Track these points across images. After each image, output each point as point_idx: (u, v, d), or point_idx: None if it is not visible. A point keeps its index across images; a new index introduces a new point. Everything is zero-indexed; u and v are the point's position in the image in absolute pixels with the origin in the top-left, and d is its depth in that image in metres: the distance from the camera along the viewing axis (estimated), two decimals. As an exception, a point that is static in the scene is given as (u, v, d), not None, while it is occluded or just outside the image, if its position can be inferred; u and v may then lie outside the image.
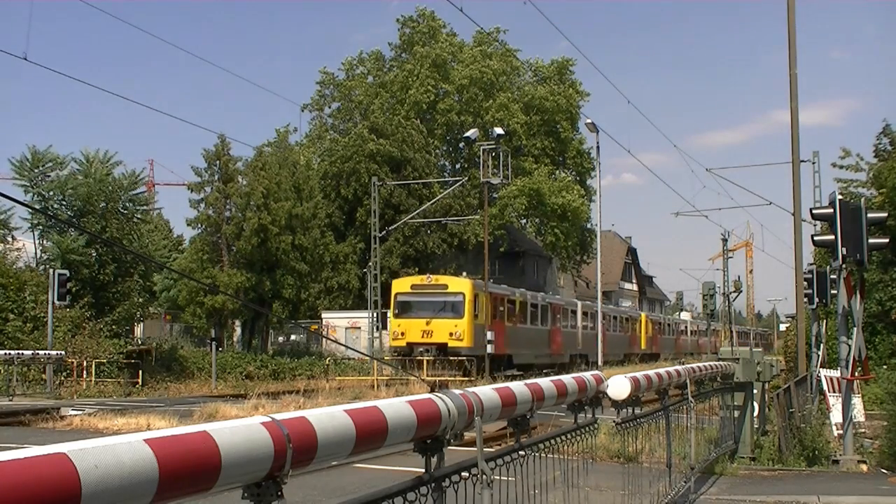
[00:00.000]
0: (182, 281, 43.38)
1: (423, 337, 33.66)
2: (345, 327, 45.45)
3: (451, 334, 33.27)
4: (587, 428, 5.65)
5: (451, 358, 32.89)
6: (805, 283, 21.28)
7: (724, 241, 53.63)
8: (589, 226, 61.75)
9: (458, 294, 34.09)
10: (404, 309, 35.11)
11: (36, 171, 34.98)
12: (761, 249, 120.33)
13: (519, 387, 4.38)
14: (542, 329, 41.81)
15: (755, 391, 13.33)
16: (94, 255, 33.69)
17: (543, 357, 41.11)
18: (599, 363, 35.69)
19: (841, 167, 27.20)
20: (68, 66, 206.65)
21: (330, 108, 64.32)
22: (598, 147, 36.32)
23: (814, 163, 29.28)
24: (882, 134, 27.10)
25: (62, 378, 27.63)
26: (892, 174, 24.32)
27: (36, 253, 35.91)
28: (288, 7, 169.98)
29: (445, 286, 34.76)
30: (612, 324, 51.84)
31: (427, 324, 33.80)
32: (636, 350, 55.44)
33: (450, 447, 3.57)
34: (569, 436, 5.31)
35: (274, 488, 2.44)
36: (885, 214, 13.70)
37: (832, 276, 18.82)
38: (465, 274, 38.89)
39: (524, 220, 62.77)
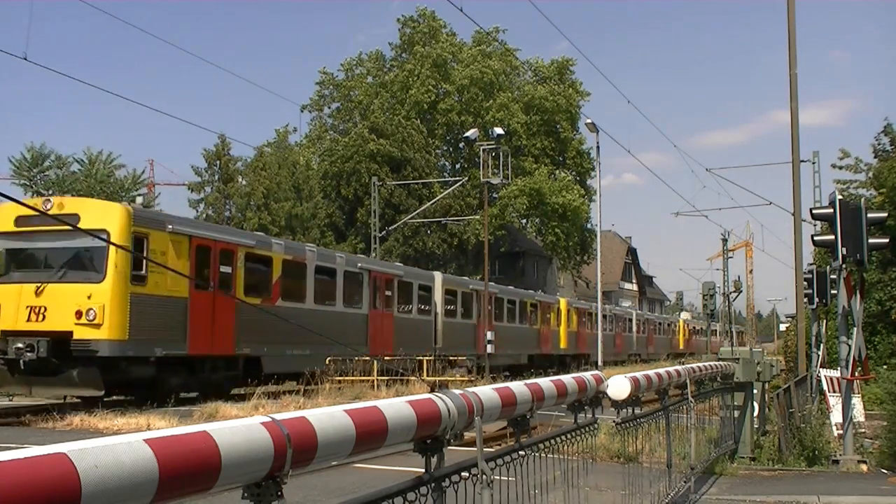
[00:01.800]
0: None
1: (29, 320, 17.17)
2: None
3: (79, 314, 16.97)
4: (587, 428, 5.66)
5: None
6: (805, 283, 21.29)
7: (724, 241, 53.72)
8: (589, 226, 61.78)
9: (99, 231, 16.40)
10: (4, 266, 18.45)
11: (34, 169, 35.05)
12: (761, 249, 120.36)
13: (519, 387, 4.39)
14: (347, 313, 25.44)
15: (755, 391, 13.35)
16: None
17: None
18: (599, 363, 35.56)
19: (840, 168, 27.24)
20: (68, 66, 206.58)
21: (330, 108, 64.40)
22: (598, 147, 36.34)
23: (814, 163, 29.31)
24: (883, 133, 27.12)
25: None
26: (892, 174, 24.34)
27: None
28: (288, 7, 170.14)
29: (76, 217, 17.12)
30: (504, 311, 36.83)
31: (37, 294, 17.23)
32: (548, 350, 40.98)
33: (450, 447, 3.57)
34: (569, 436, 5.31)
35: (274, 488, 2.45)
36: (885, 214, 13.71)
37: (832, 276, 18.84)
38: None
39: (524, 220, 62.77)
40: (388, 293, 27.96)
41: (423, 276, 31.28)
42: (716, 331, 62.05)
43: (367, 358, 24.13)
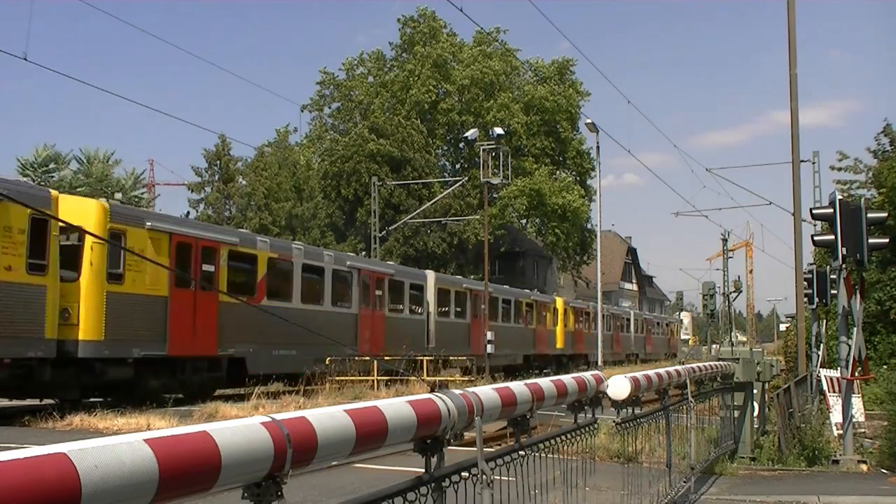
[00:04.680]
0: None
1: None
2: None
3: None
4: (587, 428, 5.65)
5: None
6: (805, 283, 21.29)
7: (724, 241, 53.73)
8: (589, 226, 61.75)
9: None
10: None
11: (40, 170, 35.15)
12: (761, 249, 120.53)
13: (519, 387, 4.39)
14: None
15: (755, 391, 13.34)
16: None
17: None
18: (599, 363, 35.56)
19: (839, 170, 27.30)
20: (68, 66, 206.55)
21: (330, 108, 64.35)
22: (598, 147, 36.33)
23: (814, 163, 29.30)
24: (882, 133, 27.17)
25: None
26: (892, 174, 24.35)
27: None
28: (288, 7, 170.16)
29: None
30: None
31: None
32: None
33: (450, 447, 3.57)
34: (569, 436, 5.31)
35: (274, 488, 2.44)
36: (885, 214, 13.72)
37: (832, 276, 18.85)
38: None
39: (524, 221, 62.77)
40: None
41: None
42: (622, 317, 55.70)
43: None
